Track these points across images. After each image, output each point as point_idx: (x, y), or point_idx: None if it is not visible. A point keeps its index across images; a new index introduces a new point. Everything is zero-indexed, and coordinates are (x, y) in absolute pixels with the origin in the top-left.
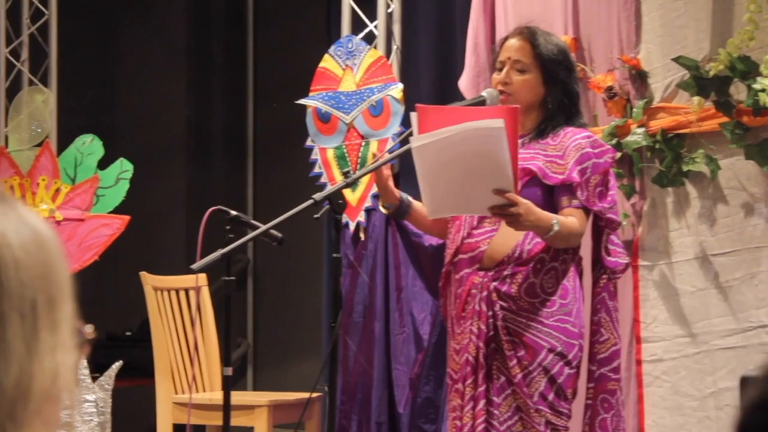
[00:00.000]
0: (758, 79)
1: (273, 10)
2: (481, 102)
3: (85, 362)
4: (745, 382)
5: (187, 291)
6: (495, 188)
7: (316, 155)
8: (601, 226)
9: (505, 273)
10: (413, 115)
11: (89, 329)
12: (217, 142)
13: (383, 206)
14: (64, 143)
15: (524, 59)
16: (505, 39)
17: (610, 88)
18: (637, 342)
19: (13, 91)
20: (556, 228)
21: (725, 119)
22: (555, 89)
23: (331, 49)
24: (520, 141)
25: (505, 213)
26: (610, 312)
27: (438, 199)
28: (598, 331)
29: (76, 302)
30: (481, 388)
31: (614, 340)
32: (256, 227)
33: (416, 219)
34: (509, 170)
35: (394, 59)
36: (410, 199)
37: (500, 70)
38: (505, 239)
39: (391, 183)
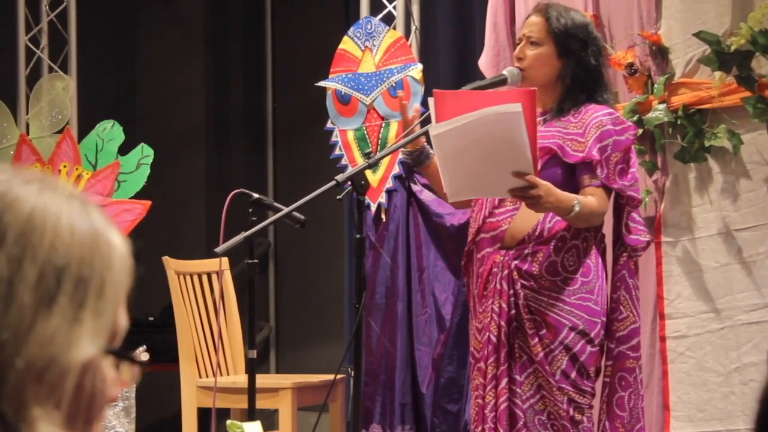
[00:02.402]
0: None
1: None
2: (502, 80)
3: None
4: None
5: (209, 275)
6: (514, 171)
7: (336, 137)
8: (622, 204)
9: (527, 252)
10: (430, 101)
11: (143, 353)
12: (237, 126)
13: (402, 152)
14: (84, 129)
15: (537, 34)
16: (528, 17)
17: (630, 65)
18: (660, 318)
19: (33, 78)
20: (576, 209)
21: (747, 94)
22: (569, 62)
23: (350, 30)
24: (540, 119)
25: (525, 195)
26: (629, 290)
27: (458, 183)
28: (617, 308)
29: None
30: (504, 367)
31: (633, 318)
32: (278, 210)
33: (432, 174)
34: (528, 153)
35: (414, 40)
36: (432, 152)
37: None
38: (527, 218)
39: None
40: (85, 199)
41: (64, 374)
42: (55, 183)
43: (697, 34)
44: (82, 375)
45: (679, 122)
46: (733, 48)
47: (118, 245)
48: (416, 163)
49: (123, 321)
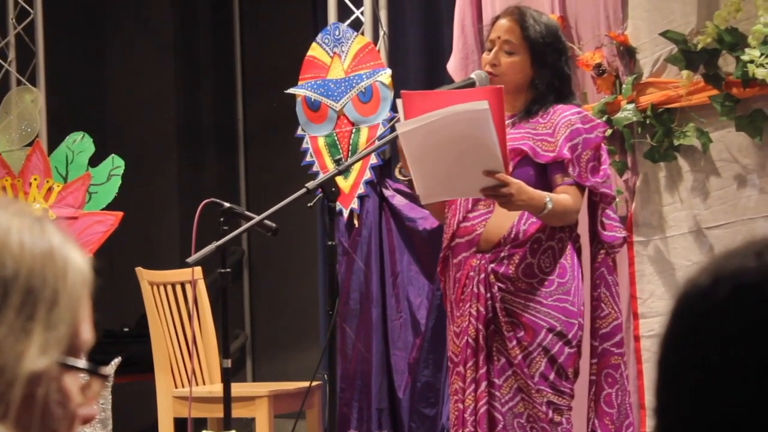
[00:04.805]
0: (746, 50)
1: (259, 0)
2: (471, 84)
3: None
4: None
5: (183, 285)
6: (485, 169)
7: (307, 144)
8: (596, 201)
9: (502, 254)
10: (399, 102)
11: (115, 365)
12: (208, 135)
13: (400, 173)
14: (54, 142)
15: (513, 40)
16: (496, 18)
17: (598, 66)
18: (634, 318)
19: (1, 91)
20: (549, 206)
21: (715, 92)
22: (544, 71)
23: (319, 37)
24: (509, 121)
25: (497, 194)
26: (609, 287)
27: (430, 184)
28: (598, 306)
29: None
30: (482, 371)
31: (615, 315)
32: (249, 218)
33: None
34: (498, 151)
35: (382, 45)
36: None
37: (490, 50)
38: (501, 221)
39: None
40: (42, 216)
41: (11, 384)
42: (7, 202)
43: (664, 34)
44: (33, 386)
45: (647, 122)
46: (699, 47)
47: (76, 260)
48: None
49: (87, 335)
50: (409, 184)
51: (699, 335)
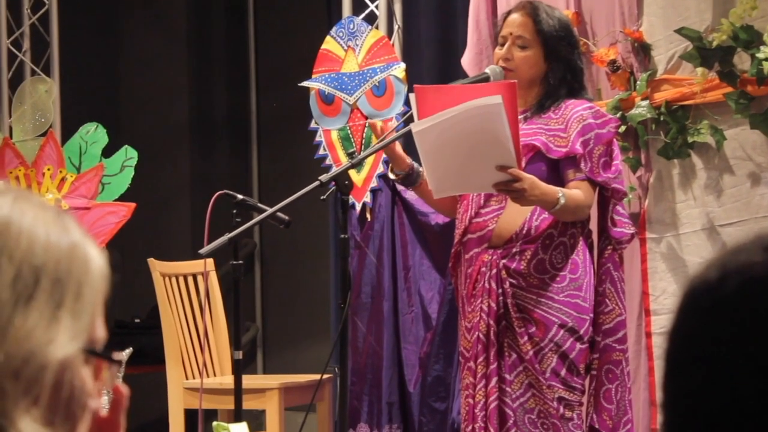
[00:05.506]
0: (761, 48)
1: None
2: (485, 79)
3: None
4: None
5: (195, 276)
6: (498, 165)
7: (320, 137)
8: (607, 197)
9: (514, 250)
10: (412, 97)
11: (125, 352)
12: (221, 126)
13: (392, 172)
14: (68, 132)
15: (526, 35)
16: (508, 13)
17: (613, 62)
18: (646, 315)
19: (15, 81)
20: (562, 201)
21: (729, 89)
22: (557, 65)
23: (333, 30)
24: (521, 116)
25: (510, 189)
26: (615, 282)
27: (443, 179)
28: (603, 301)
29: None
30: (493, 366)
31: (619, 311)
32: (262, 210)
33: (425, 191)
34: (511, 146)
35: (396, 39)
36: (421, 169)
37: (502, 45)
38: (513, 217)
39: (399, 150)
40: (60, 211)
41: (43, 370)
42: (29, 194)
43: (679, 31)
44: (61, 372)
45: (662, 118)
46: (714, 44)
47: (95, 255)
48: (408, 183)
49: (101, 332)
50: (402, 181)
51: (707, 330)
